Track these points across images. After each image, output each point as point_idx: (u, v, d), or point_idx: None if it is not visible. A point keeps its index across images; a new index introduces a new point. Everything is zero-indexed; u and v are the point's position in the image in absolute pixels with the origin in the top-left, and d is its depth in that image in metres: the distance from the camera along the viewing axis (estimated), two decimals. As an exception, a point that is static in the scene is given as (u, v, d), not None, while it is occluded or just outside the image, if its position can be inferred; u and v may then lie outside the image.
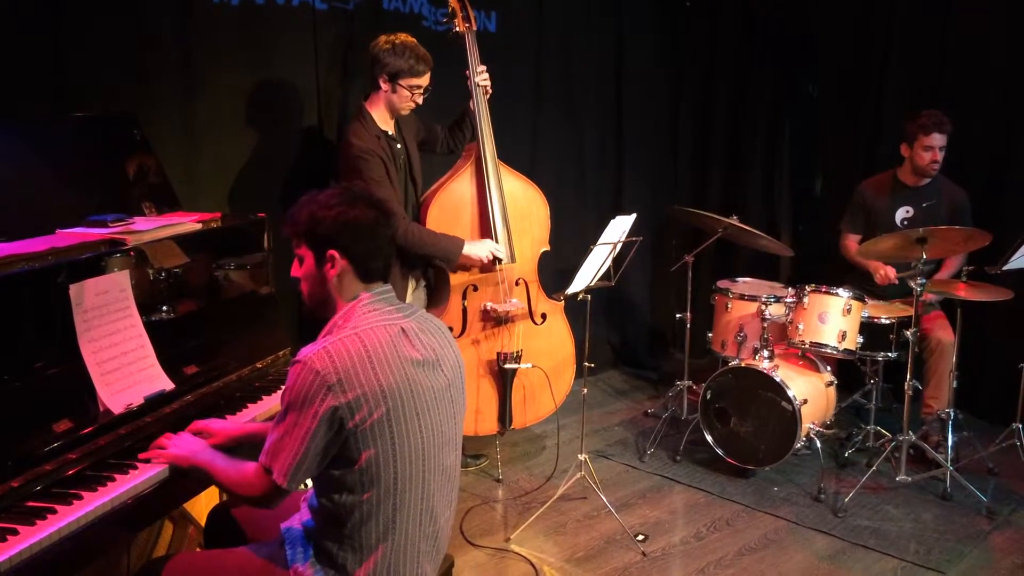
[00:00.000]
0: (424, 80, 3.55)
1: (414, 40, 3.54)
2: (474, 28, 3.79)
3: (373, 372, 1.90)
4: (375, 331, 1.96)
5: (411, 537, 2.00)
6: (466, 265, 3.79)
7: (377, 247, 2.04)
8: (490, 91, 3.82)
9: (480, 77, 3.78)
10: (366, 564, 1.97)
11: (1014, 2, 4.55)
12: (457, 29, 3.78)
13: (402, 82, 3.51)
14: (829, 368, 4.23)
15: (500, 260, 3.80)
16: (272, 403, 2.67)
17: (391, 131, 3.65)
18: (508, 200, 3.85)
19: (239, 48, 3.68)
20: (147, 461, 2.21)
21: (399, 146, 3.69)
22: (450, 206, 3.81)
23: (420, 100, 3.60)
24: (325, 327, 2.05)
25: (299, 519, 2.13)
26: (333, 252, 2.01)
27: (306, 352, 1.90)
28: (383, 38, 3.54)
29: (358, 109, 3.62)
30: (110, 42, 3.26)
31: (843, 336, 3.95)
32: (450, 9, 3.80)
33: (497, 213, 3.81)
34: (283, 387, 1.97)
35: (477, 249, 3.72)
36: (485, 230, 3.83)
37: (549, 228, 4.03)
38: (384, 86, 3.54)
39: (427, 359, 2.01)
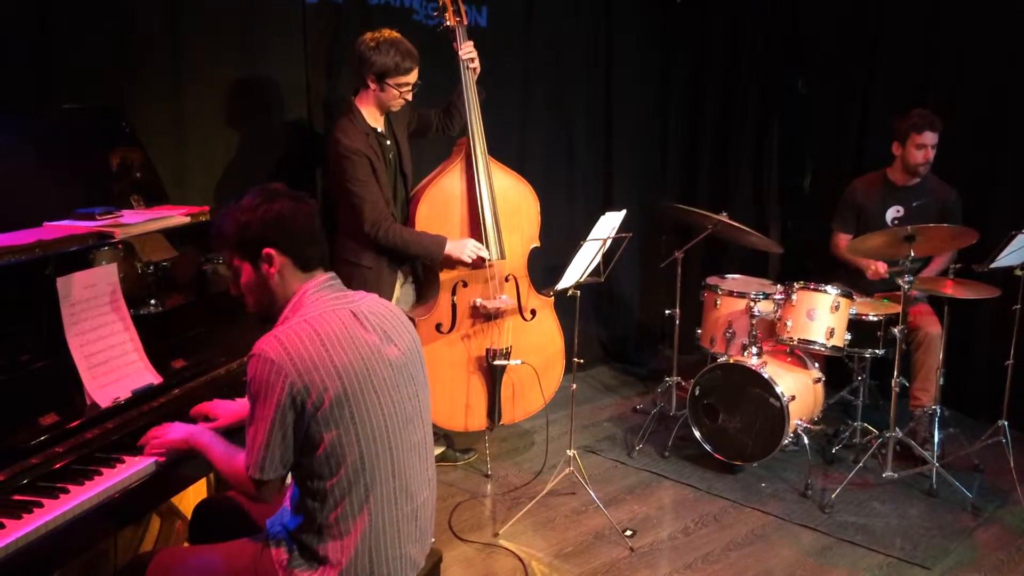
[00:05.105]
0: (412, 77, 3.52)
1: (399, 35, 3.51)
2: (465, 22, 3.77)
3: (327, 353, 1.93)
4: (324, 316, 1.99)
5: (389, 517, 2.01)
6: (453, 262, 3.77)
7: (308, 234, 2.06)
8: (478, 70, 3.77)
9: (466, 55, 3.72)
10: (347, 548, 1.97)
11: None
12: (448, 23, 3.75)
13: (390, 81, 3.48)
14: (817, 365, 4.25)
15: (484, 259, 3.77)
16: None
17: (381, 128, 3.63)
18: (498, 196, 3.83)
19: (228, 41, 3.65)
20: (136, 453, 2.20)
21: (388, 143, 3.66)
22: (439, 202, 3.79)
23: (409, 97, 3.57)
24: (277, 323, 2.08)
25: (281, 518, 2.13)
26: (268, 250, 2.03)
27: (259, 345, 1.94)
28: (368, 35, 3.50)
29: (347, 105, 3.59)
30: (98, 34, 3.24)
31: (831, 333, 3.97)
32: (441, 3, 3.78)
33: (487, 209, 3.79)
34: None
35: (458, 249, 3.70)
36: (475, 226, 3.81)
37: (540, 224, 4.02)
38: (372, 85, 3.51)
39: (380, 338, 2.04)
